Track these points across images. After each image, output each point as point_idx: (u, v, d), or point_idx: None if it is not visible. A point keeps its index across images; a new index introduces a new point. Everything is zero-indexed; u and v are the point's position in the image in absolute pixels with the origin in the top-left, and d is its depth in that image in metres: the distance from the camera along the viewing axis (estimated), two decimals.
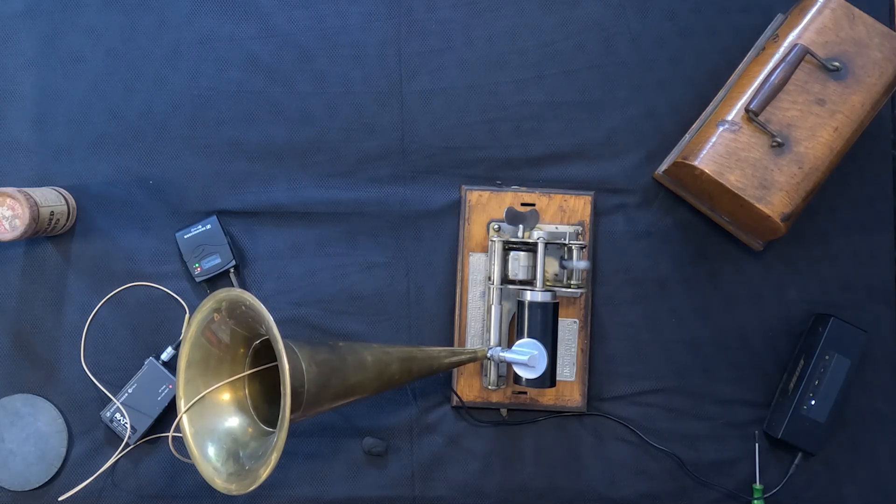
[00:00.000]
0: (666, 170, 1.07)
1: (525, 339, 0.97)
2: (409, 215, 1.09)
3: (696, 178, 1.00)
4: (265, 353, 0.89)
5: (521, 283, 1.02)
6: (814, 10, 1.00)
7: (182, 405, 0.88)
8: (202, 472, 0.86)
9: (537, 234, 1.00)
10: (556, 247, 1.03)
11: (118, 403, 1.02)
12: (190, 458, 0.88)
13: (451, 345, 1.06)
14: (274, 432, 0.85)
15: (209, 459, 0.87)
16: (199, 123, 1.08)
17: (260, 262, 1.07)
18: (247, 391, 0.91)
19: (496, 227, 1.05)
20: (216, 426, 0.89)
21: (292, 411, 0.79)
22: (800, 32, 0.99)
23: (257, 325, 0.86)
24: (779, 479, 1.07)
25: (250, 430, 0.89)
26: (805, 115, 0.97)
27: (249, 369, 0.90)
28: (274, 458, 0.79)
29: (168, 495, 1.05)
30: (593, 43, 1.10)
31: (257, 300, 0.81)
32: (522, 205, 1.06)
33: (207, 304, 0.86)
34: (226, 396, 0.90)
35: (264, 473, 0.79)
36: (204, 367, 0.89)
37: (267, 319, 0.80)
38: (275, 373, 0.80)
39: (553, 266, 1.04)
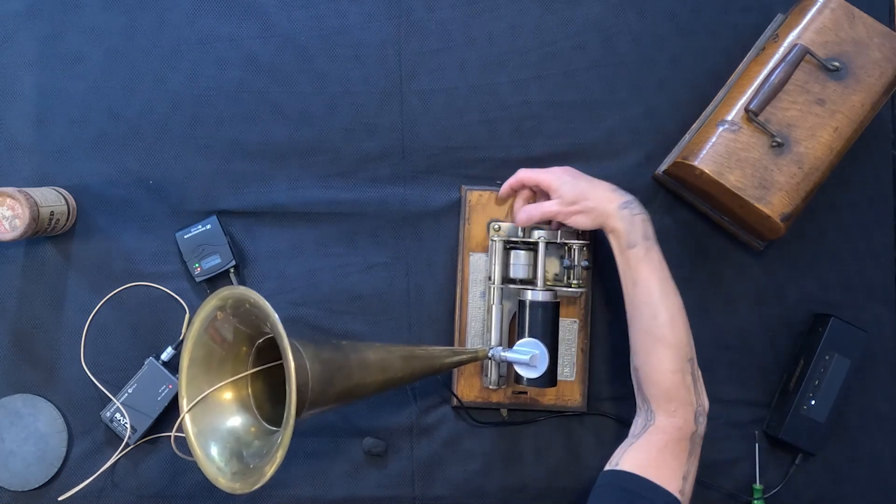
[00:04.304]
0: (666, 170, 1.07)
1: (526, 339, 0.97)
2: (409, 215, 1.09)
3: (696, 178, 1.00)
4: (268, 351, 0.89)
5: (522, 282, 1.02)
6: (814, 10, 1.00)
7: (184, 404, 0.88)
8: (205, 472, 0.86)
9: (538, 234, 1.00)
10: (556, 246, 1.03)
11: (118, 403, 1.02)
12: (192, 458, 0.87)
13: (452, 345, 1.06)
14: (277, 431, 0.85)
15: (212, 459, 0.86)
16: (199, 123, 1.08)
17: (260, 262, 1.07)
18: (250, 390, 0.91)
19: (496, 226, 1.05)
20: (219, 425, 0.88)
21: (297, 409, 0.79)
22: (800, 32, 0.99)
23: (261, 324, 0.85)
24: (779, 479, 1.08)
25: (253, 429, 0.89)
26: (805, 115, 0.98)
27: (252, 368, 0.90)
28: (279, 455, 0.78)
29: (168, 495, 1.05)
30: (593, 43, 1.10)
31: (262, 298, 0.81)
32: None
33: (211, 302, 0.86)
34: (228, 395, 0.90)
35: (270, 471, 0.79)
36: (206, 365, 0.88)
37: (272, 317, 0.79)
38: (277, 371, 0.80)
39: (554, 266, 1.04)
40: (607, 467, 0.91)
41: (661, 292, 0.92)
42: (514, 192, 1.04)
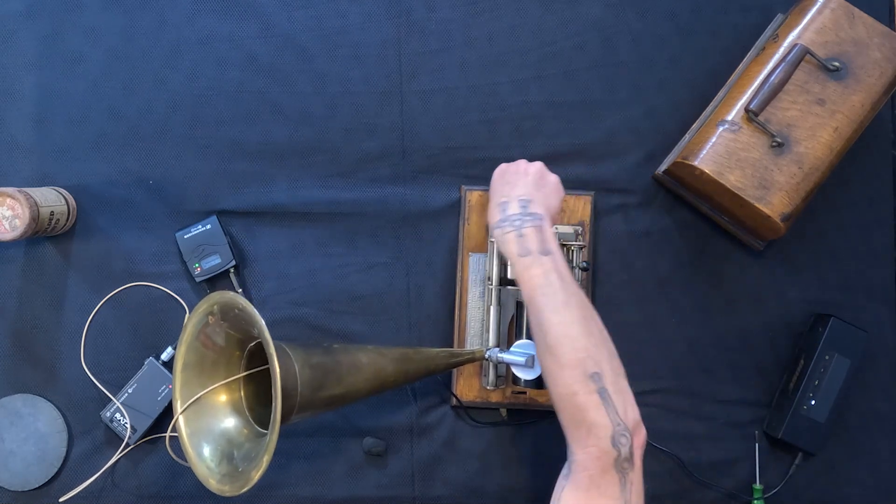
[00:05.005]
0: (666, 170, 1.07)
1: (523, 341, 0.97)
2: (409, 215, 1.09)
3: (696, 178, 1.00)
4: (261, 354, 0.89)
5: None
6: (814, 10, 1.00)
7: (178, 407, 0.88)
8: (197, 473, 0.86)
9: None
10: None
11: (118, 403, 1.02)
12: (185, 460, 0.88)
13: (452, 345, 1.06)
14: (267, 434, 0.86)
15: (204, 460, 0.87)
16: (199, 123, 1.08)
17: (260, 262, 1.07)
18: (242, 393, 0.91)
19: None
20: (212, 427, 0.89)
21: (284, 414, 0.78)
22: (800, 32, 0.99)
23: (251, 328, 0.86)
24: (779, 479, 1.07)
25: (245, 431, 0.89)
26: (805, 115, 0.97)
27: (245, 371, 0.90)
28: (265, 460, 0.78)
29: (168, 495, 1.05)
30: (593, 43, 1.10)
31: (249, 303, 0.81)
32: None
33: (201, 308, 0.86)
34: (222, 398, 0.90)
35: (256, 476, 0.79)
36: (199, 369, 0.89)
37: (258, 322, 0.80)
38: (269, 375, 0.80)
39: None
40: None
41: (549, 308, 0.82)
42: None
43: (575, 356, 0.80)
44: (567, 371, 0.79)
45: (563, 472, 0.82)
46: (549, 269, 0.85)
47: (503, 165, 0.99)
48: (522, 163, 0.98)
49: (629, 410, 0.80)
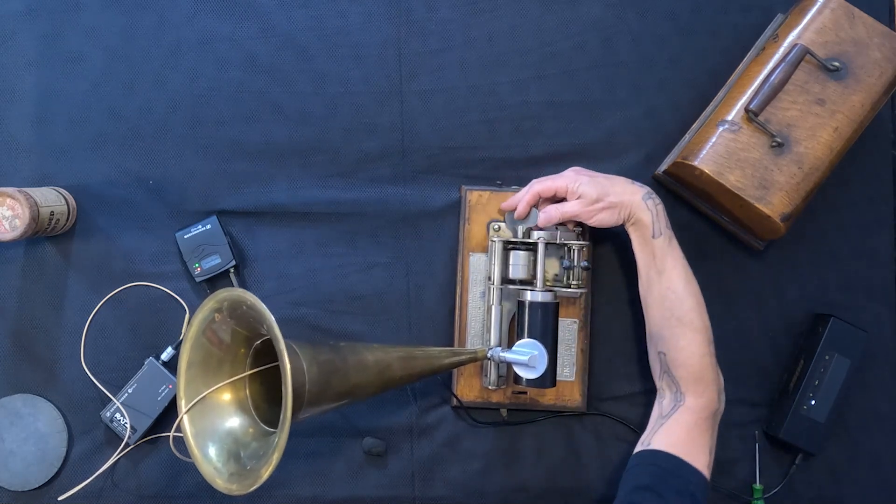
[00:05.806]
0: (666, 170, 1.07)
1: (525, 340, 0.97)
2: (409, 215, 1.09)
3: (695, 178, 1.00)
4: (266, 352, 0.89)
5: (522, 283, 1.02)
6: (814, 10, 1.00)
7: (183, 406, 0.88)
8: (203, 473, 0.86)
9: (537, 234, 1.00)
10: (556, 247, 1.03)
11: (118, 403, 1.02)
12: (191, 458, 0.88)
13: (452, 345, 1.06)
14: (275, 432, 0.85)
15: (210, 460, 0.87)
16: (199, 123, 1.08)
17: (260, 262, 1.07)
18: (247, 391, 0.91)
19: (496, 227, 1.05)
20: (217, 427, 0.88)
21: (293, 411, 0.79)
22: (800, 32, 0.99)
23: (258, 325, 0.86)
24: (779, 479, 1.07)
25: (251, 430, 0.89)
26: (805, 115, 0.97)
27: (250, 369, 0.90)
28: (275, 457, 0.79)
29: (168, 495, 1.05)
30: (593, 43, 1.10)
31: (258, 300, 0.81)
32: None
33: (208, 304, 0.86)
34: (226, 397, 0.90)
35: (266, 473, 0.79)
36: (204, 367, 0.89)
37: (268, 319, 0.79)
38: (276, 373, 0.80)
39: (553, 266, 1.04)
40: (639, 448, 0.95)
41: (685, 279, 0.96)
42: (532, 205, 1.03)
43: (706, 324, 0.96)
44: (700, 336, 0.95)
45: (662, 412, 0.96)
46: (678, 246, 0.97)
47: (573, 170, 1.03)
48: (585, 171, 1.03)
49: (720, 374, 0.97)
